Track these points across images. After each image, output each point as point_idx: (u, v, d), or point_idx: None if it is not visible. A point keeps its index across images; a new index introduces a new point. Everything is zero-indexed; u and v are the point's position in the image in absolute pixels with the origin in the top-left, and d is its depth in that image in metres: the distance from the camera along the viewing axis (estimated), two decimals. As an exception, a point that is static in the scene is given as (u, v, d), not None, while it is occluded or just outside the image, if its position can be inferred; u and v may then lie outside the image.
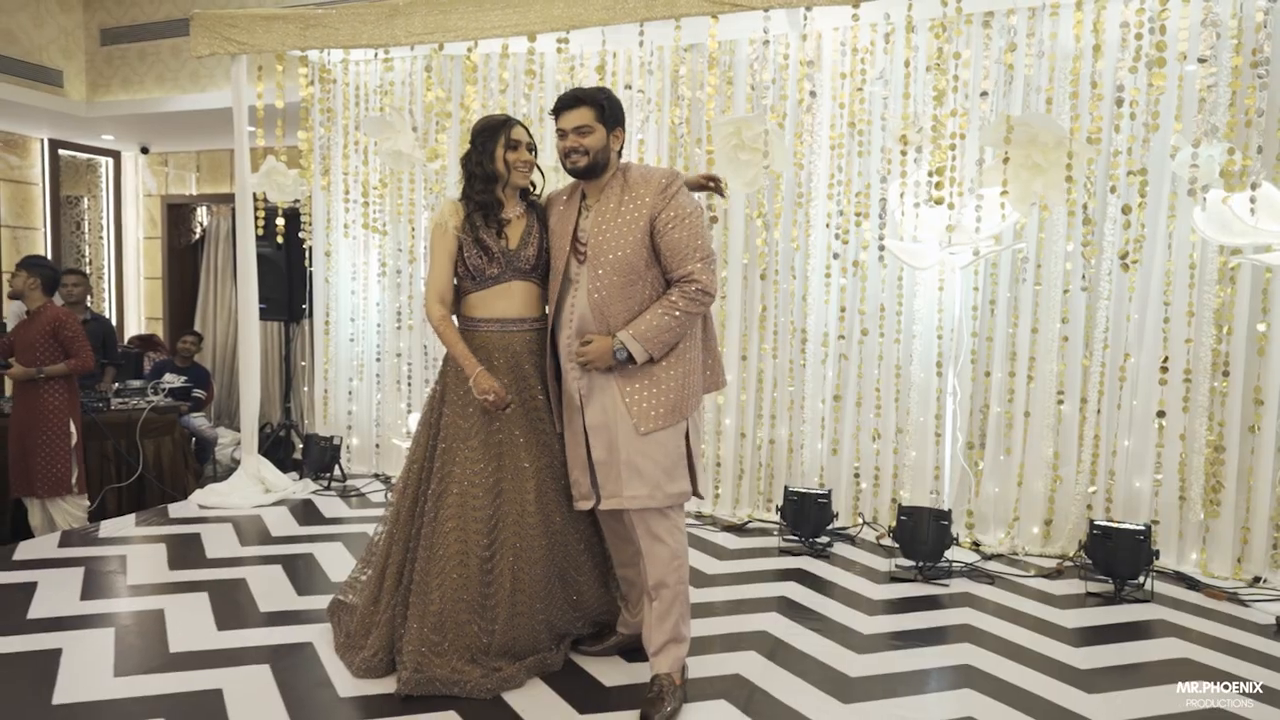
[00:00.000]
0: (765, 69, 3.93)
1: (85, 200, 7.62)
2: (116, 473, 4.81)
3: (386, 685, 2.36)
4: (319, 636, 2.68)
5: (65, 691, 2.32)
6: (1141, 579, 3.22)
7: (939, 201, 3.40)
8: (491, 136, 2.43)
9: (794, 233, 4.03)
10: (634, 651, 2.54)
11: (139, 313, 7.84)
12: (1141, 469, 3.61)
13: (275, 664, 2.50)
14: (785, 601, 3.09)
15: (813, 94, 3.88)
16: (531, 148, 2.47)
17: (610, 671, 2.50)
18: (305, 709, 2.26)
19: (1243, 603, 3.15)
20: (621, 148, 2.39)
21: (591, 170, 2.32)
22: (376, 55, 4.51)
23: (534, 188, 2.55)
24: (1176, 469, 3.53)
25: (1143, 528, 3.23)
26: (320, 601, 2.95)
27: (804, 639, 2.76)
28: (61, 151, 7.19)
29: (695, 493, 2.32)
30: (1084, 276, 3.57)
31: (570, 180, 2.46)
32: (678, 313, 2.23)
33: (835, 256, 3.96)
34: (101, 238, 7.65)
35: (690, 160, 4.10)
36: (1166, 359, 3.49)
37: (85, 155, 7.43)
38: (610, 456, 2.28)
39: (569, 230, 2.38)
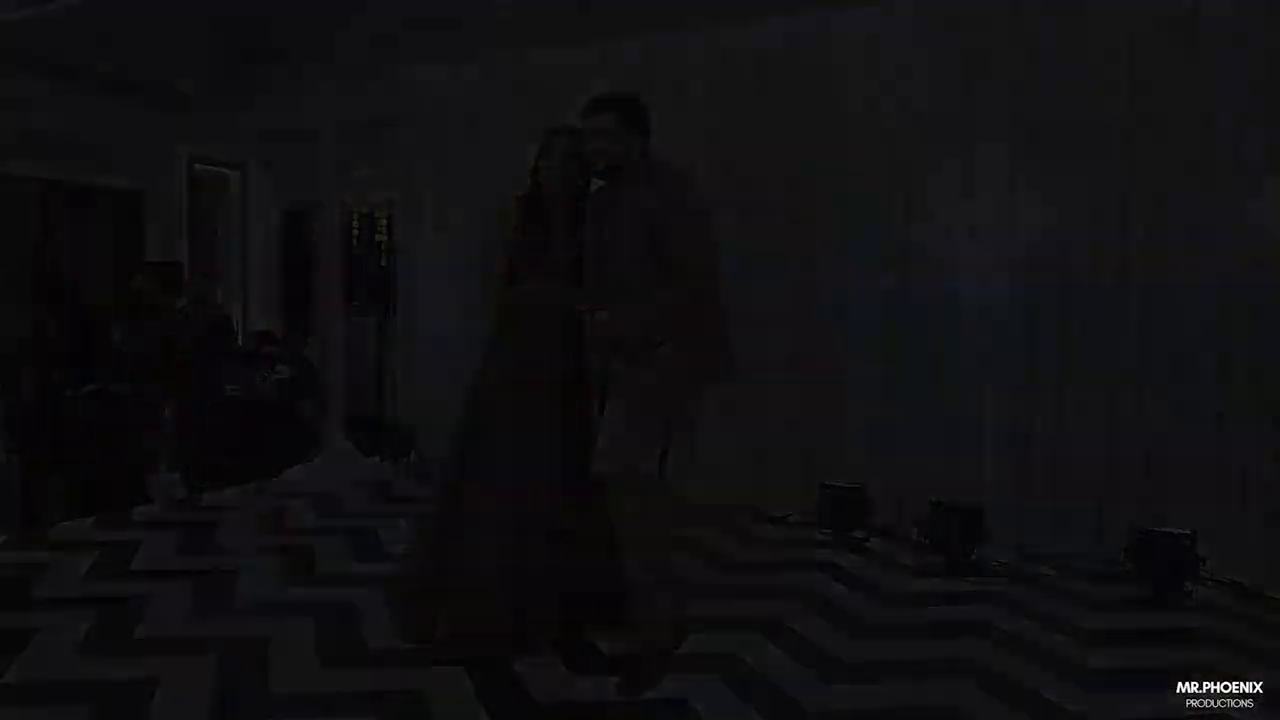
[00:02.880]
0: (797, 71, 3.97)
1: (218, 210, 8.45)
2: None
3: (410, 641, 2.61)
4: (362, 597, 2.97)
5: (146, 628, 2.71)
6: (1188, 586, 3.08)
7: (965, 197, 3.36)
8: (540, 147, 2.68)
9: (840, 230, 4.04)
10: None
11: (261, 311, 8.61)
12: (1202, 473, 3.42)
13: (318, 616, 2.81)
14: (804, 590, 3.14)
15: (840, 97, 3.89)
16: (571, 155, 2.61)
17: (610, 640, 2.63)
18: (333, 655, 2.55)
19: (1301, 615, 2.96)
20: (644, 149, 2.54)
21: (612, 171, 2.50)
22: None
23: (566, 190, 2.66)
24: (1239, 474, 3.33)
25: (1188, 533, 3.09)
26: (373, 569, 3.26)
27: (809, 624, 2.83)
28: (197, 165, 8.02)
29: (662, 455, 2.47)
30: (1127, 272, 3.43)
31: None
32: (658, 304, 2.37)
33: (868, 255, 3.96)
34: (231, 243, 8.46)
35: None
36: (1229, 356, 3.30)
37: (216, 168, 8.24)
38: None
39: (600, 226, 2.56)
